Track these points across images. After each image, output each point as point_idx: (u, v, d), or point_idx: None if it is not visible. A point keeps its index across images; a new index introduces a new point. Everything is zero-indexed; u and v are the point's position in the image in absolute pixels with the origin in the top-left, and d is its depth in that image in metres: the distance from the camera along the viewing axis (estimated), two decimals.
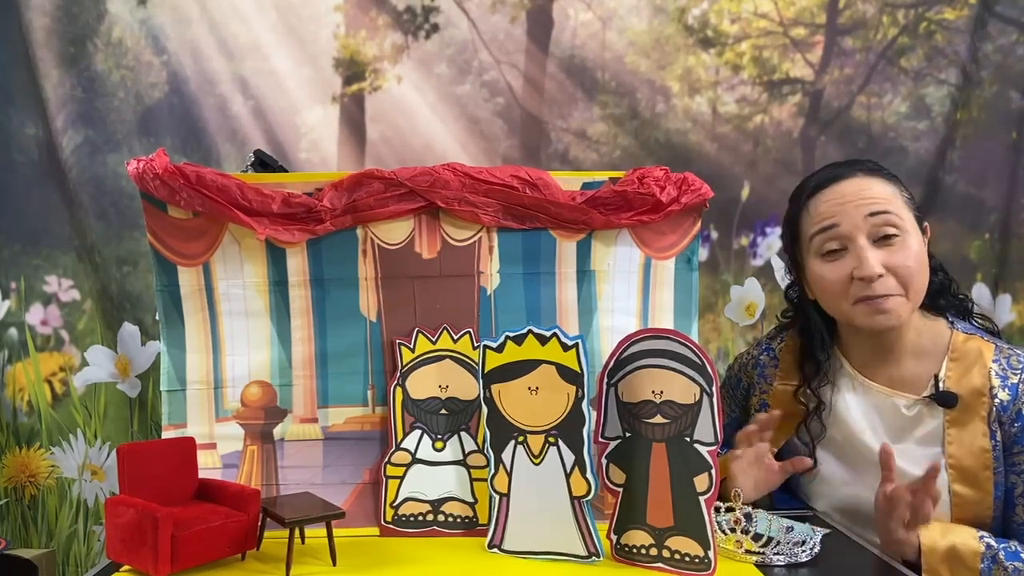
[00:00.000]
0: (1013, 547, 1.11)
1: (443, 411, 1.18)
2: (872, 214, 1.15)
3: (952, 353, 1.19)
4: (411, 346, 1.19)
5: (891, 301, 1.15)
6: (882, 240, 1.15)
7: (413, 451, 1.18)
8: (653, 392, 1.02)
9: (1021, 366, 1.16)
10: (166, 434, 1.19)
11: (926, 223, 1.22)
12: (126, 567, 1.02)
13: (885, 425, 1.21)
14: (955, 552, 1.10)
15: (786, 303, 1.37)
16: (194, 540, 0.99)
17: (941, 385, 1.17)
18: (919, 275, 1.16)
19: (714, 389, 0.98)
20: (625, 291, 1.23)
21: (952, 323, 1.22)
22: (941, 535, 1.11)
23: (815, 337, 1.27)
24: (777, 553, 1.05)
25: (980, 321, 1.28)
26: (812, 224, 1.21)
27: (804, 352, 1.29)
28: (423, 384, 1.19)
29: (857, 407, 1.24)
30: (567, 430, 1.04)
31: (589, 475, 1.03)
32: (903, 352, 1.21)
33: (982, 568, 1.09)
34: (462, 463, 1.17)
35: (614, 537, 1.05)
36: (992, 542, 1.11)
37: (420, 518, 1.16)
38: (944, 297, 1.25)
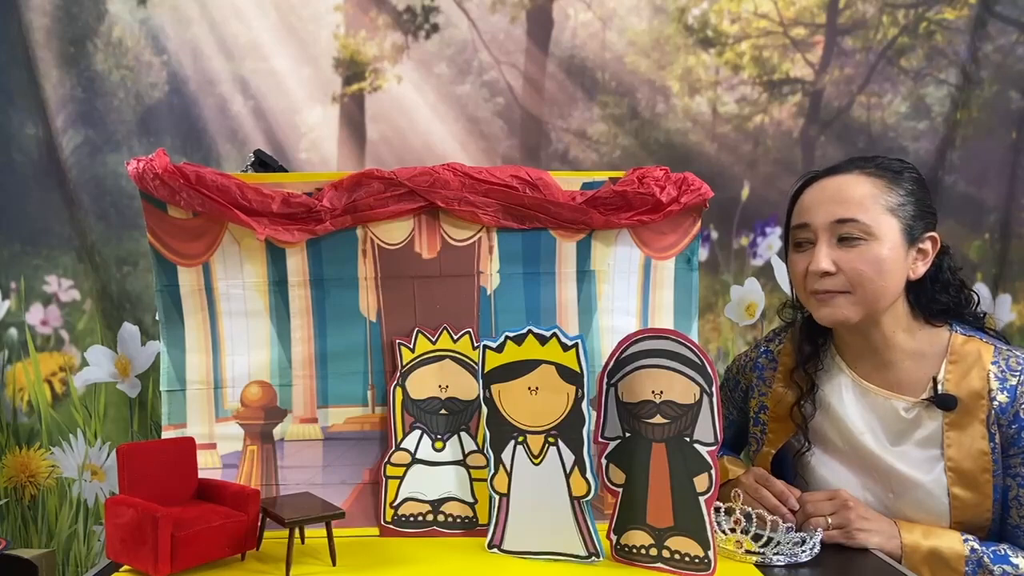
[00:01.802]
0: (1002, 550, 1.11)
1: (443, 411, 1.18)
2: (839, 220, 1.16)
3: (951, 355, 1.19)
4: (411, 346, 1.19)
5: (835, 298, 1.16)
6: (845, 241, 1.16)
7: (413, 451, 1.18)
8: (653, 392, 1.02)
9: (1020, 368, 1.15)
10: (166, 434, 1.19)
11: (931, 234, 1.19)
12: (126, 567, 1.02)
13: (884, 428, 1.21)
14: (938, 554, 1.11)
15: (789, 295, 1.37)
16: (194, 540, 0.99)
17: (940, 388, 1.17)
18: (873, 280, 1.14)
19: (714, 389, 0.98)
20: (625, 291, 1.23)
21: (951, 325, 1.22)
22: (923, 536, 1.13)
23: (811, 325, 1.27)
24: (777, 553, 1.05)
25: (992, 332, 1.26)
26: (794, 218, 1.23)
27: (801, 334, 1.30)
28: (423, 384, 1.19)
29: (856, 409, 1.24)
30: (567, 430, 1.04)
31: (589, 475, 1.03)
32: (898, 355, 1.20)
33: (967, 571, 1.10)
34: (462, 463, 1.17)
35: (614, 537, 1.05)
36: (977, 545, 1.11)
37: (420, 518, 1.16)
38: (958, 316, 1.23)
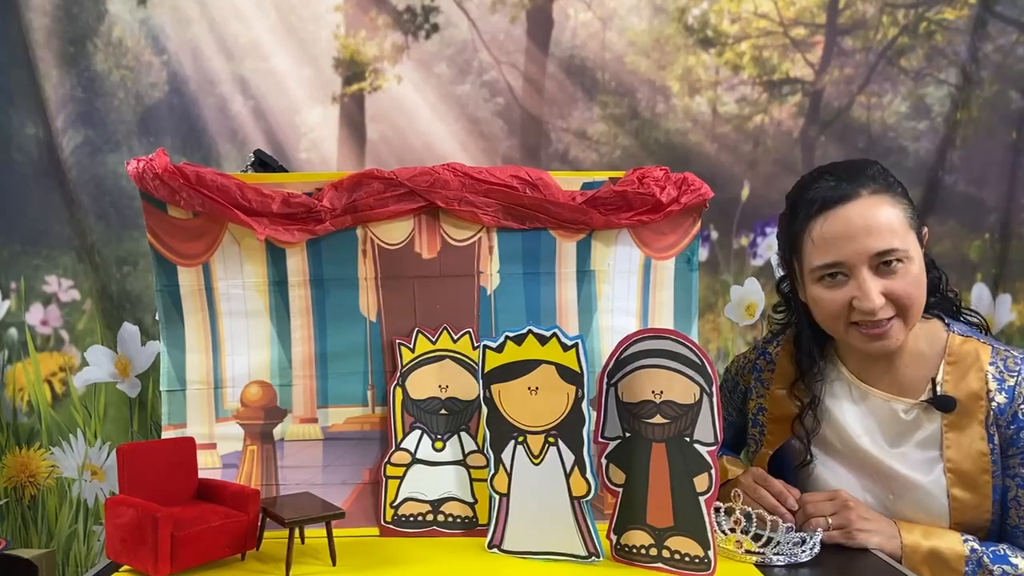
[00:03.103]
0: (1002, 550, 1.11)
1: (443, 411, 1.18)
2: (879, 254, 1.12)
3: (949, 356, 1.18)
4: (411, 346, 1.19)
5: (888, 327, 1.14)
6: (884, 267, 1.13)
7: (413, 451, 1.18)
8: (653, 392, 1.02)
9: (1018, 368, 1.15)
10: (166, 434, 1.19)
11: (925, 228, 1.20)
12: (126, 567, 1.02)
13: (883, 430, 1.21)
14: (938, 554, 1.10)
15: (778, 297, 1.36)
16: (194, 540, 0.99)
17: (939, 389, 1.17)
18: (919, 300, 1.14)
19: (714, 389, 0.98)
20: (625, 291, 1.23)
21: (948, 325, 1.22)
22: (923, 536, 1.12)
23: (808, 335, 1.26)
24: (777, 553, 1.05)
25: (968, 316, 1.27)
26: (814, 254, 1.16)
27: (798, 346, 1.28)
28: (423, 384, 1.19)
29: (854, 413, 1.23)
30: (567, 430, 1.04)
31: (589, 475, 1.03)
32: (900, 357, 1.20)
33: (967, 571, 1.10)
34: (462, 463, 1.17)
35: (614, 537, 1.05)
36: (977, 546, 1.11)
37: (420, 518, 1.16)
38: (933, 295, 1.24)
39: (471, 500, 1.16)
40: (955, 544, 1.11)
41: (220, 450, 1.20)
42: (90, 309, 1.95)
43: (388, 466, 1.17)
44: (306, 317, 1.21)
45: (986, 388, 1.15)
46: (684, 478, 1.00)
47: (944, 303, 1.26)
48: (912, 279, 1.14)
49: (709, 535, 0.99)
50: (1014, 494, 1.14)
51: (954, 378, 1.17)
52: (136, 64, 1.92)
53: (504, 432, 1.07)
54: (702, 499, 0.99)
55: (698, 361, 1.00)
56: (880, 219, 1.13)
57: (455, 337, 1.18)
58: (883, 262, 1.13)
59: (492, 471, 1.08)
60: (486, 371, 1.08)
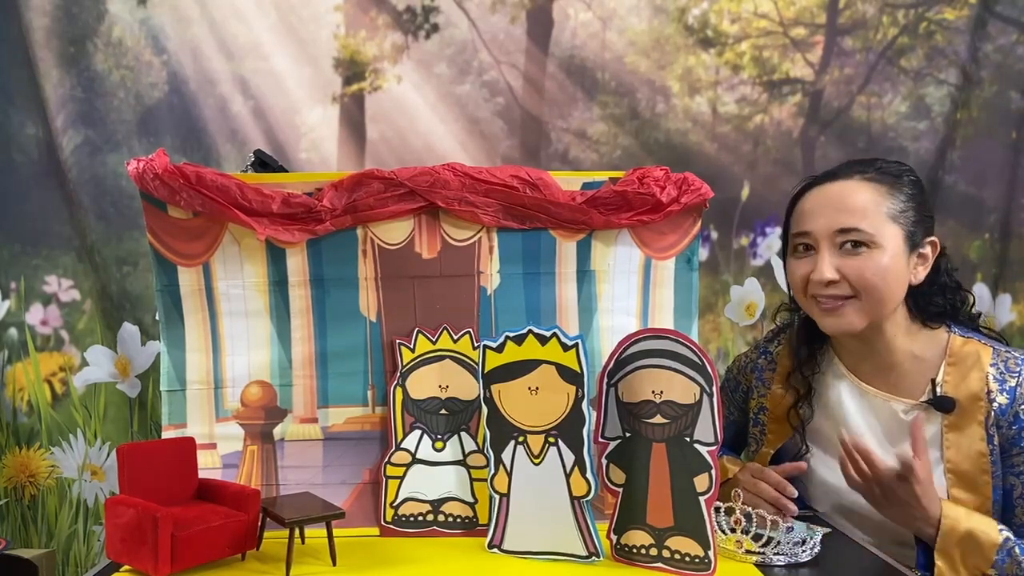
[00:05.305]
0: None
1: (443, 411, 1.18)
2: (841, 230, 1.15)
3: (950, 358, 1.18)
4: (411, 346, 1.19)
5: (842, 307, 1.15)
6: (848, 249, 1.15)
7: (413, 451, 1.18)
8: (653, 392, 1.02)
9: (1019, 369, 1.15)
10: (166, 434, 1.20)
11: (931, 238, 1.19)
12: (126, 567, 1.02)
13: (883, 429, 1.21)
14: (973, 538, 1.08)
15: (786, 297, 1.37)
16: (194, 540, 0.99)
17: (939, 390, 1.17)
18: (879, 287, 1.14)
19: (714, 389, 0.98)
20: (625, 291, 1.23)
21: (950, 327, 1.22)
22: (966, 516, 1.10)
23: (808, 327, 1.27)
24: (777, 553, 1.05)
25: (987, 331, 1.26)
26: (794, 224, 1.22)
27: (798, 337, 1.29)
28: (423, 384, 1.19)
29: (855, 410, 1.23)
30: (567, 430, 1.04)
31: (589, 475, 1.03)
32: (898, 358, 1.20)
33: (996, 559, 1.08)
34: (462, 463, 1.17)
35: (614, 537, 1.05)
36: (1011, 535, 1.09)
37: (420, 518, 1.16)
38: (954, 317, 1.23)
39: (471, 500, 1.16)
40: (990, 530, 1.09)
41: (220, 450, 1.20)
42: (90, 309, 1.95)
43: (388, 466, 1.17)
44: (306, 317, 1.21)
45: (987, 389, 1.15)
46: (684, 478, 1.00)
47: (968, 325, 1.25)
48: (874, 265, 1.14)
49: (709, 535, 0.99)
50: (1020, 492, 1.14)
51: (954, 379, 1.17)
52: (136, 64, 1.92)
53: (504, 432, 1.07)
54: (702, 499, 0.99)
55: (698, 361, 1.00)
56: (856, 200, 1.16)
57: (455, 337, 1.18)
58: (847, 242, 1.15)
59: (492, 471, 1.08)
60: (486, 371, 1.08)
